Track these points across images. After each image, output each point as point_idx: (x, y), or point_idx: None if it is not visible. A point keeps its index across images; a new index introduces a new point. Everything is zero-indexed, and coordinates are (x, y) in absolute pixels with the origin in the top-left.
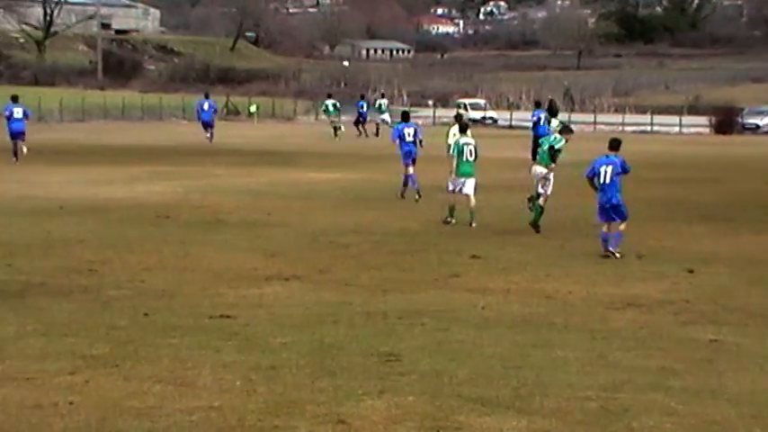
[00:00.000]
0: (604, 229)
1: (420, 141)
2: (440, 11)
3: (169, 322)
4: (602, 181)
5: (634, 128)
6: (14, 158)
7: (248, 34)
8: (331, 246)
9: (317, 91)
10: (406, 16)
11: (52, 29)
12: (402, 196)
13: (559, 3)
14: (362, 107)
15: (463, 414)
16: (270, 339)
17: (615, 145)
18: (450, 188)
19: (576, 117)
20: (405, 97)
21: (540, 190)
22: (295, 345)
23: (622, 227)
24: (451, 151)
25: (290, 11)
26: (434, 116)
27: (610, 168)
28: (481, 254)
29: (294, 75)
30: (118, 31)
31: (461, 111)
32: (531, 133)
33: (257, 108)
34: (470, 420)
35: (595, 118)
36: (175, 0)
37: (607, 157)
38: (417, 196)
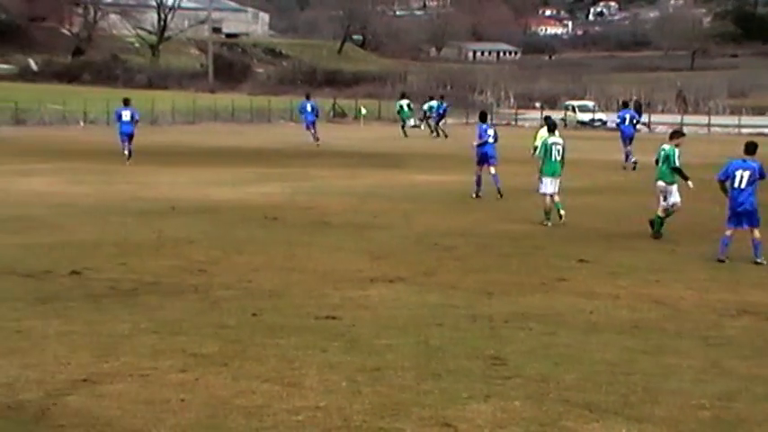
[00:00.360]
0: (728, 233)
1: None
2: (548, 12)
3: (276, 322)
4: (736, 185)
5: (751, 130)
6: (127, 159)
7: (355, 37)
8: (436, 248)
9: (423, 93)
10: (513, 18)
11: (166, 33)
12: (478, 196)
13: (672, 2)
14: (431, 109)
15: (570, 420)
16: (375, 341)
17: (752, 149)
18: (542, 190)
19: (689, 119)
20: (512, 99)
21: (663, 203)
22: (400, 347)
23: (758, 234)
24: (538, 152)
25: (397, 13)
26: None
27: (747, 173)
28: (588, 257)
29: (400, 77)
30: (228, 35)
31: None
32: (639, 135)
33: (366, 111)
34: (577, 426)
35: (710, 120)
36: (284, 4)
37: (744, 161)
38: (499, 195)
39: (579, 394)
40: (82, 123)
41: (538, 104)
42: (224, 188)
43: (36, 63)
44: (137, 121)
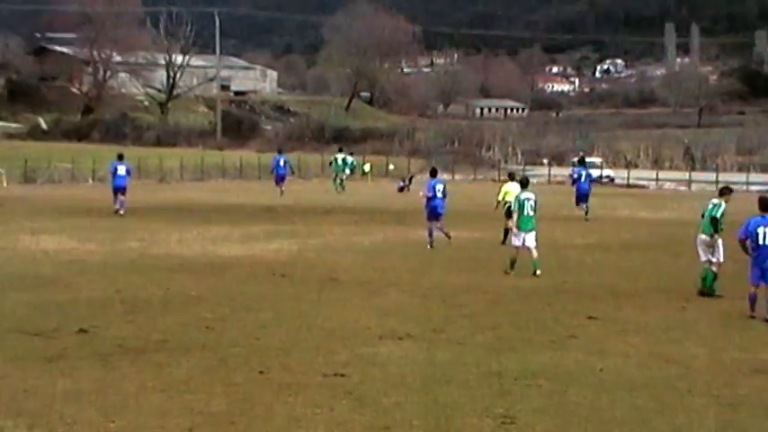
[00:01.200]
0: (752, 290)
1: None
2: (555, 69)
3: (284, 380)
4: (759, 242)
5: (759, 187)
6: (118, 211)
7: (363, 94)
8: (444, 304)
9: (431, 150)
10: (520, 75)
11: (175, 91)
12: (431, 246)
13: (679, 60)
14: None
15: None
16: (383, 399)
17: (767, 204)
18: (516, 243)
19: (696, 176)
20: (519, 155)
21: (712, 258)
22: (409, 405)
23: None
24: (513, 207)
25: (405, 71)
26: (549, 175)
27: None
28: (598, 315)
29: (408, 133)
30: (237, 93)
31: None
32: (646, 192)
33: (371, 167)
34: None
35: (717, 177)
36: (292, 61)
37: (763, 217)
38: (448, 238)
39: None
40: (91, 181)
41: (546, 161)
42: (232, 245)
43: (46, 122)
44: (131, 175)
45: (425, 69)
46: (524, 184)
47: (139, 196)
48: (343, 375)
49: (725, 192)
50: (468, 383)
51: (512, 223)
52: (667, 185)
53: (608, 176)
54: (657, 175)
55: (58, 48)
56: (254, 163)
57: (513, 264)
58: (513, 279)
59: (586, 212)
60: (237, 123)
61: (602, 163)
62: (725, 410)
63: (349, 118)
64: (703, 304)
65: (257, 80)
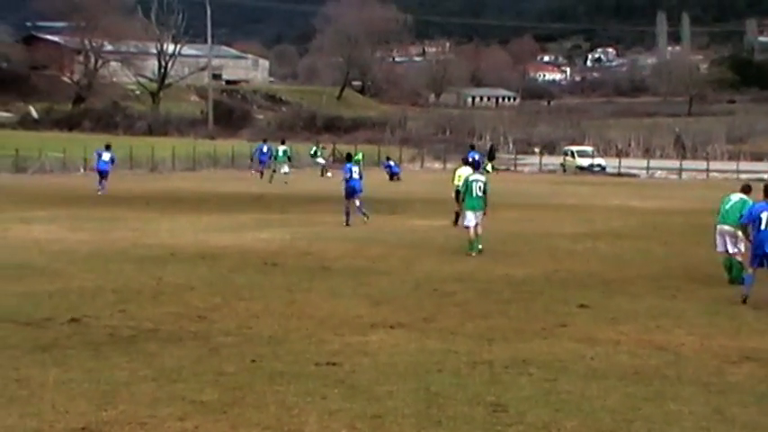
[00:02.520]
0: (750, 271)
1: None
2: (546, 58)
3: (276, 369)
4: (763, 227)
5: (749, 175)
6: (100, 190)
7: (355, 83)
8: (435, 294)
9: (422, 139)
10: (511, 64)
11: (166, 80)
12: (347, 224)
13: (669, 49)
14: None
15: None
16: (375, 387)
17: None
18: (466, 223)
19: (687, 164)
20: (511, 144)
21: (734, 249)
22: (400, 393)
23: None
24: (461, 188)
25: (396, 60)
26: (541, 164)
27: None
28: (589, 303)
29: (400, 123)
30: (228, 82)
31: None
32: (637, 180)
33: (362, 156)
34: None
35: (708, 165)
36: (284, 51)
37: (767, 203)
38: (366, 218)
39: None
40: (82, 170)
41: (537, 149)
42: (224, 234)
43: (37, 111)
44: (114, 164)
45: (417, 58)
46: (475, 167)
47: (131, 186)
48: (334, 364)
49: (746, 189)
50: (460, 372)
51: (459, 206)
52: (658, 174)
53: (599, 165)
54: (648, 163)
55: (48, 36)
56: (245, 152)
57: (472, 245)
58: (504, 268)
59: None
60: (229, 113)
61: (593, 152)
62: (715, 398)
63: (341, 107)
64: (693, 292)
65: (249, 69)
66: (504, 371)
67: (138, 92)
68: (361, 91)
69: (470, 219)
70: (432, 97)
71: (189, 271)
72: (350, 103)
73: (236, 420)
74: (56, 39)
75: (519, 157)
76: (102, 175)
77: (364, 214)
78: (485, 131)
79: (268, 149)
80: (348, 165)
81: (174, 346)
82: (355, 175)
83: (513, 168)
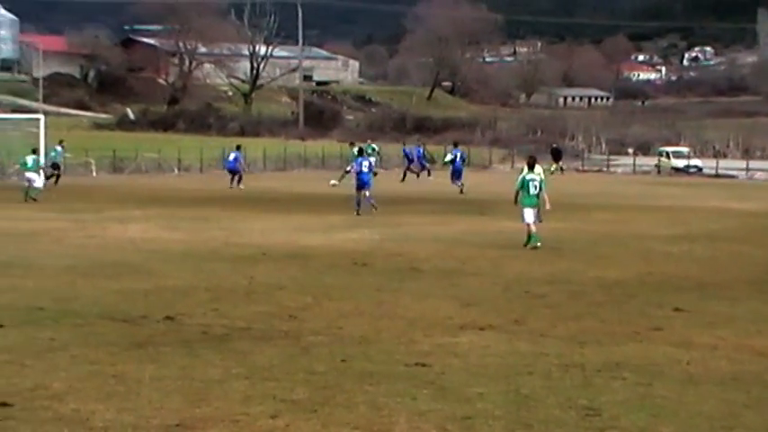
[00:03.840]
0: None
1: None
2: (641, 57)
3: (365, 369)
4: None
5: None
6: (232, 185)
7: (444, 83)
8: (526, 295)
9: (512, 139)
10: (605, 63)
11: (258, 82)
12: (358, 213)
13: None
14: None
15: None
16: (465, 389)
17: None
18: (526, 220)
19: None
20: (603, 145)
21: None
22: (490, 395)
23: None
24: (517, 186)
25: (487, 60)
26: (634, 165)
27: None
28: (685, 306)
29: (490, 123)
30: (319, 83)
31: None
32: (736, 182)
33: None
34: None
35: None
36: (374, 51)
37: None
38: (374, 209)
39: None
40: (176, 171)
41: (631, 150)
42: (314, 234)
43: (133, 112)
44: (240, 163)
45: (508, 58)
46: (531, 166)
47: (224, 185)
48: (424, 365)
49: None
50: (551, 375)
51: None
52: (758, 175)
53: (695, 166)
54: (747, 164)
55: (144, 39)
56: (335, 153)
57: (530, 238)
58: (596, 270)
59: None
60: (319, 113)
61: (689, 152)
62: None
63: (430, 107)
64: None
65: (339, 70)
66: (596, 374)
67: (230, 93)
68: (451, 91)
69: (528, 215)
70: (522, 97)
71: (280, 270)
72: (439, 103)
73: (326, 419)
74: (152, 42)
75: (611, 157)
76: (233, 173)
77: (373, 206)
78: (576, 132)
79: (236, 158)
80: (359, 159)
81: (266, 344)
82: (365, 169)
83: (605, 169)
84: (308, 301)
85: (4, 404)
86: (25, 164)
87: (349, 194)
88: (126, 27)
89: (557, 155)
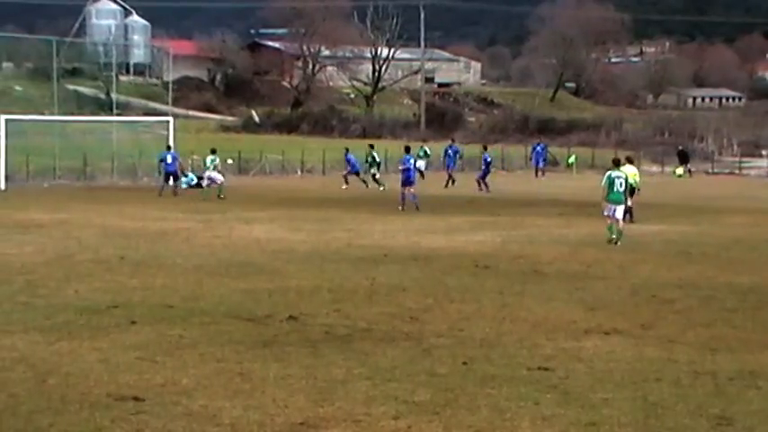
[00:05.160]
0: None
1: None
2: None
3: (488, 372)
4: None
5: None
6: (164, 190)
7: (568, 84)
8: (654, 300)
9: (639, 141)
10: (738, 63)
11: (380, 84)
12: (403, 209)
13: None
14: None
15: None
16: (590, 394)
17: None
18: (606, 213)
19: None
20: (735, 147)
21: None
22: (616, 401)
23: None
24: (603, 183)
25: (612, 60)
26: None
27: None
28: None
29: (615, 124)
30: (440, 85)
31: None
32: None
33: (575, 159)
34: None
35: None
36: (497, 53)
37: None
38: (416, 208)
39: None
40: (299, 172)
41: (765, 152)
42: (436, 236)
43: (258, 115)
44: (180, 164)
45: (634, 59)
46: (617, 163)
47: (350, 188)
48: (547, 369)
49: None
50: (680, 382)
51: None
52: None
53: None
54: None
55: (270, 43)
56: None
57: (610, 229)
58: (729, 275)
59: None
60: (441, 115)
61: None
62: None
63: (554, 109)
64: None
65: (461, 72)
66: (728, 383)
67: (352, 95)
68: (576, 92)
69: (611, 209)
70: (649, 98)
71: (402, 272)
72: (563, 104)
73: (448, 422)
74: (277, 45)
75: (744, 160)
76: (355, 173)
77: (416, 204)
78: (706, 133)
79: (174, 159)
80: (407, 156)
81: (388, 345)
82: (411, 166)
83: (736, 172)
84: (430, 303)
85: (137, 399)
86: (205, 164)
87: (470, 196)
88: (252, 31)
89: (683, 157)
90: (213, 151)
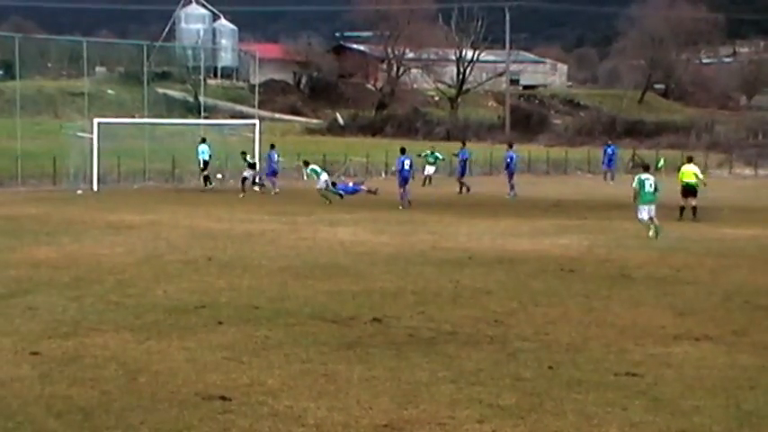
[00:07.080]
0: None
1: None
2: None
3: (574, 377)
4: None
5: None
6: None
7: (657, 86)
8: (746, 306)
9: (732, 144)
10: None
11: (464, 86)
12: (403, 207)
13: None
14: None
15: None
16: (680, 401)
17: None
18: (640, 216)
19: None
20: None
21: None
22: (708, 409)
23: None
24: (635, 185)
25: (704, 61)
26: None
27: None
28: None
29: (707, 126)
30: (526, 87)
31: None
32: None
33: (664, 162)
34: None
35: None
36: (583, 54)
37: None
38: (408, 204)
39: None
40: (383, 175)
41: None
42: (521, 239)
43: (343, 117)
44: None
45: (727, 59)
46: (646, 168)
47: (427, 190)
48: (635, 375)
49: None
50: None
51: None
52: None
53: None
54: None
55: (354, 46)
56: (542, 157)
57: (650, 230)
58: None
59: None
60: (526, 118)
61: None
62: None
63: (642, 111)
64: None
65: (547, 74)
66: None
67: (437, 98)
68: (665, 94)
69: (644, 211)
70: (743, 100)
71: (486, 275)
72: (652, 106)
73: (533, 426)
74: (361, 48)
75: None
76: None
77: (409, 201)
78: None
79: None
80: (401, 158)
81: (473, 349)
82: (407, 167)
83: None
84: (515, 307)
85: (224, 398)
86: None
87: (556, 199)
88: (337, 34)
89: None
90: (273, 146)
